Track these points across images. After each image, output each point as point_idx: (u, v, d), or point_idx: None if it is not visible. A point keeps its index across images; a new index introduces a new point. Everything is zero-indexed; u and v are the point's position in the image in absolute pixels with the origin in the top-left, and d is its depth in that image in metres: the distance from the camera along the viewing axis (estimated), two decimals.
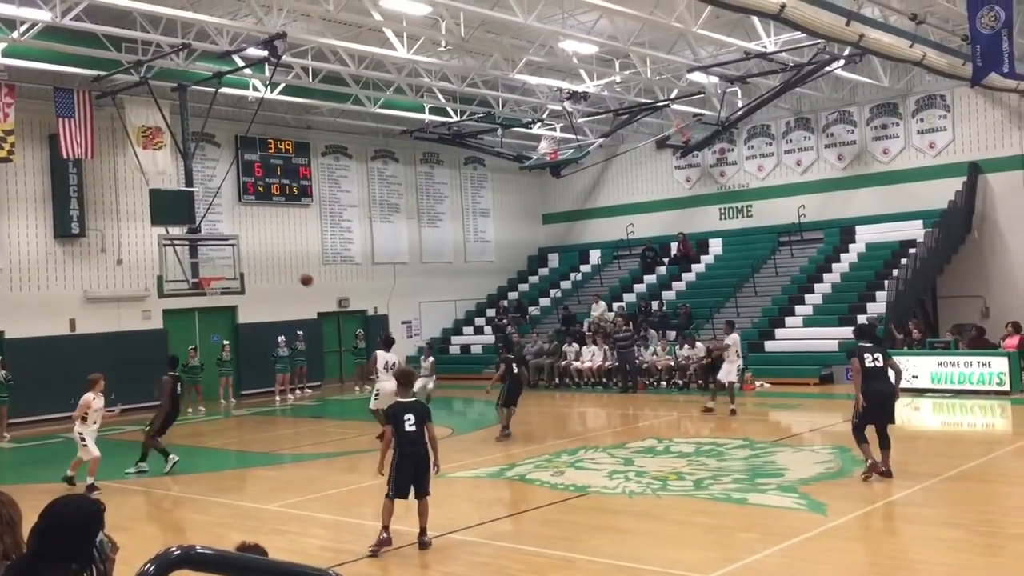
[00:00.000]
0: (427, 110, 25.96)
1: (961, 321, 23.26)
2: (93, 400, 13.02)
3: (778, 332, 23.74)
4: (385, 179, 29.45)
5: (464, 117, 26.58)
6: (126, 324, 22.79)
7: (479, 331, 29.74)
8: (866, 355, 10.91)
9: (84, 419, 12.86)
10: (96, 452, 12.73)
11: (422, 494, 8.90)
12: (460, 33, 18.30)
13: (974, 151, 24.81)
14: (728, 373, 17.37)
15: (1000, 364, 18.04)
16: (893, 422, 10.98)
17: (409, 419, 8.89)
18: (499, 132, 27.59)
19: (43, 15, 16.33)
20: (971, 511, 9.66)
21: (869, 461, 10.83)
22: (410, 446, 8.83)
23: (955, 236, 24.24)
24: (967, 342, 20.55)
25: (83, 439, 12.74)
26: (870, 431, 10.94)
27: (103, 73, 19.78)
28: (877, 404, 10.82)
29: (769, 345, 23.35)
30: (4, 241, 21.21)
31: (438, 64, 21.24)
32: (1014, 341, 18.78)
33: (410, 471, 8.81)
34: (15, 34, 17.27)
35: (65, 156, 20.78)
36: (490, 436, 15.95)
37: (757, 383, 21.29)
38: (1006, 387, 17.74)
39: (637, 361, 22.76)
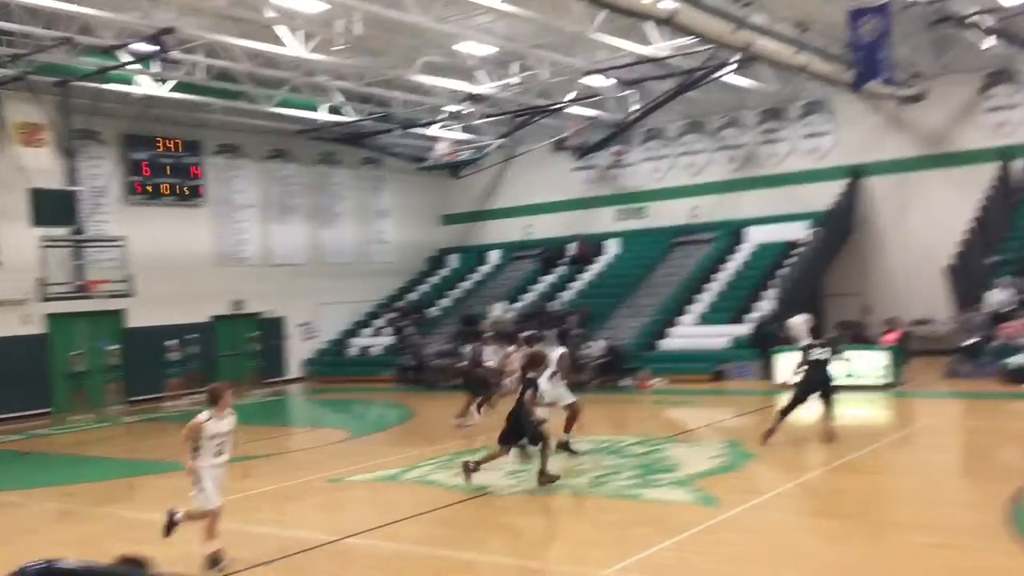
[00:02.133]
0: (324, 109, 25.60)
1: (844, 318, 24.22)
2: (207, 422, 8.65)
3: (672, 331, 24.28)
4: (281, 179, 28.91)
5: (362, 117, 26.32)
6: (5, 329, 21.73)
7: (378, 333, 29.50)
8: (814, 349, 13.12)
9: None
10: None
11: None
12: (357, 31, 18.12)
13: (856, 155, 25.87)
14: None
15: (880, 359, 18.84)
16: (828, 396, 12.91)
17: None
18: (397, 132, 27.42)
19: None
20: (854, 501, 10.07)
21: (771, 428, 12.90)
22: None
23: (838, 237, 25.24)
24: (849, 338, 21.39)
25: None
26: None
27: None
28: (810, 387, 12.96)
29: (664, 343, 23.86)
30: None
31: (335, 63, 20.97)
32: (892, 336, 19.65)
33: None
34: None
35: None
36: (388, 438, 15.84)
37: (652, 381, 21.71)
38: (887, 380, 18.55)
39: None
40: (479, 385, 16.85)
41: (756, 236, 26.90)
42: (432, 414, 19.56)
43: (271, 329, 27.81)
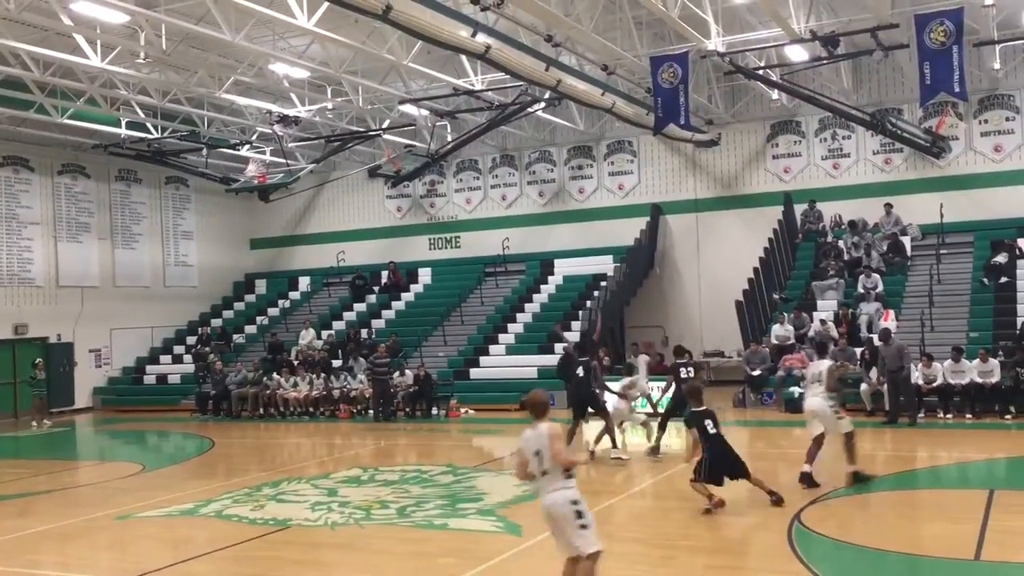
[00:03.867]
0: (124, 124, 24.31)
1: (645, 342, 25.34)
2: None
3: (483, 360, 24.55)
4: (74, 195, 27.17)
5: (166, 134, 25.20)
6: None
7: (178, 360, 28.15)
8: (680, 369, 14.75)
9: None
10: None
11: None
12: (162, 46, 17.39)
13: (656, 194, 27.25)
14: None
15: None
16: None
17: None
18: (204, 152, 26.44)
19: None
20: (647, 526, 10.49)
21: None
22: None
23: (640, 271, 26.42)
24: (649, 368, 22.35)
25: None
26: None
27: None
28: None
29: (474, 372, 24.09)
30: None
31: (137, 76, 20.00)
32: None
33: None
34: None
35: None
36: (185, 471, 15.07)
37: (462, 410, 21.84)
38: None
39: (347, 389, 22.59)
40: None
41: (564, 268, 27.72)
42: (233, 445, 18.83)
43: (58, 355, 25.95)
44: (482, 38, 15.96)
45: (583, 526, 6.52)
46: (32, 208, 25.94)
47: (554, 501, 6.49)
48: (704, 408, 10.51)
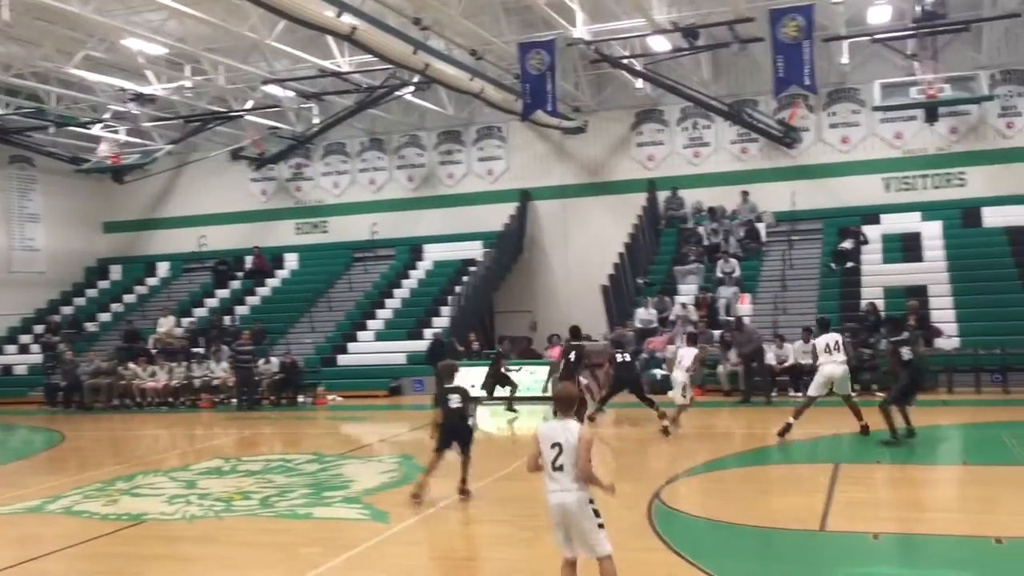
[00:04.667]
0: None
1: (514, 334, 25.58)
2: None
3: (351, 346, 24.27)
4: None
5: (9, 111, 23.70)
6: None
7: (24, 349, 26.65)
8: (616, 353, 15.76)
9: None
10: None
11: None
12: (4, 16, 16.31)
13: (525, 179, 27.47)
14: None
15: (545, 372, 20.02)
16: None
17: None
18: (52, 130, 25.02)
19: None
20: (514, 508, 10.59)
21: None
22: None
23: (509, 256, 26.62)
24: (518, 352, 22.61)
25: None
26: None
27: None
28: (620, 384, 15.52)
29: (342, 359, 23.78)
30: None
31: None
32: (556, 351, 20.99)
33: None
34: None
35: None
36: (32, 466, 14.28)
37: (329, 397, 21.53)
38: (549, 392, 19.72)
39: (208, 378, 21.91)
40: None
41: (433, 254, 27.65)
42: (86, 438, 17.99)
43: None
44: (348, 19, 15.69)
45: (600, 525, 6.35)
46: None
47: (570, 500, 6.20)
48: (455, 385, 10.52)
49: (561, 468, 6.19)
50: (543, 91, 19.13)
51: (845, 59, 23.06)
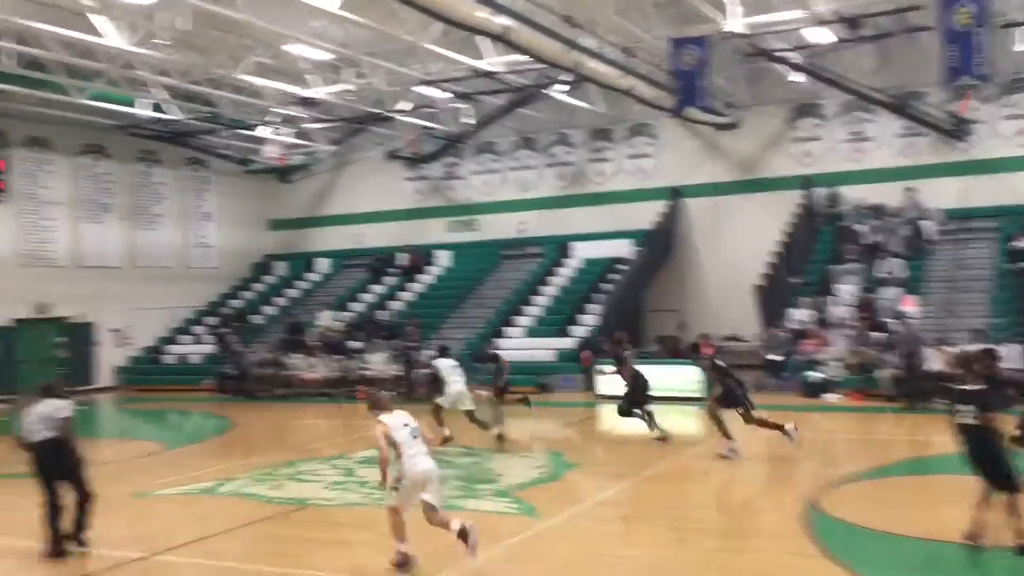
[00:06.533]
0: (145, 105, 24.40)
1: (662, 333, 25.31)
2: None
3: (500, 342, 24.57)
4: (95, 176, 27.36)
5: (186, 116, 25.29)
6: None
7: (198, 340, 28.35)
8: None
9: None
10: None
11: None
12: (182, 26, 17.41)
13: (676, 177, 27.09)
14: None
15: (695, 372, 19.73)
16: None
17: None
18: (224, 133, 26.53)
19: None
20: (662, 508, 10.51)
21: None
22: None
23: (659, 254, 26.32)
24: (667, 352, 22.36)
25: None
26: None
27: None
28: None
29: None
30: None
31: (157, 57, 20.05)
32: (707, 351, 20.62)
33: None
34: None
35: None
36: (204, 450, 15.21)
37: (480, 392, 21.85)
38: (699, 393, 19.43)
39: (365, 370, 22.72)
40: None
41: (582, 252, 27.67)
42: (252, 425, 18.98)
43: (80, 334, 26.21)
44: (500, 19, 15.90)
45: None
46: (54, 188, 26.15)
47: None
48: None
49: None
50: (695, 87, 18.84)
51: (1021, 47, 21.61)
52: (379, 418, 8.24)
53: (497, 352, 17.78)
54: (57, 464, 9.01)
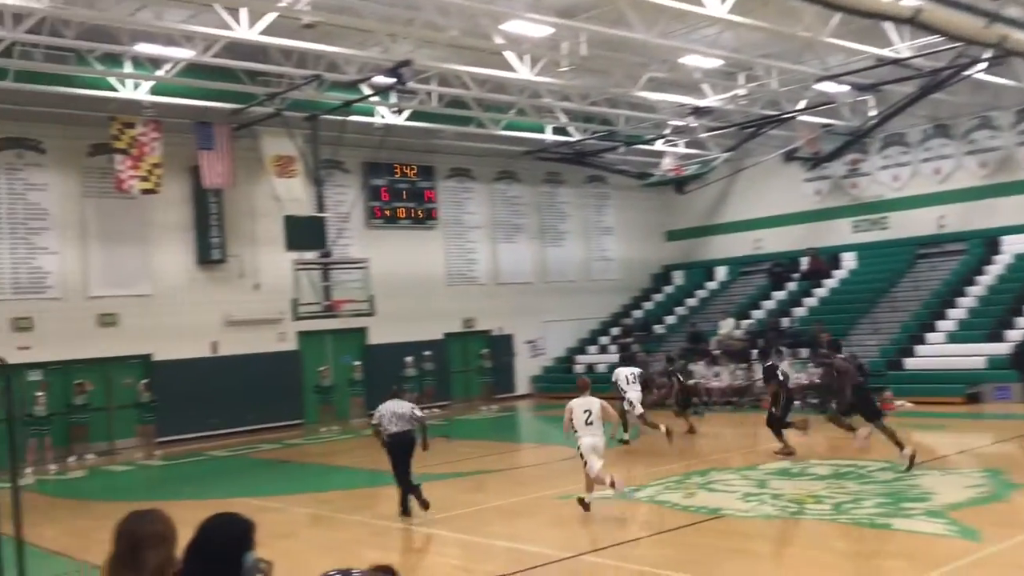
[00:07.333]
0: (549, 130, 26.07)
1: None
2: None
3: (918, 348, 22.68)
4: (508, 200, 29.72)
5: (586, 136, 26.56)
6: (263, 346, 23.63)
7: (603, 350, 29.55)
8: None
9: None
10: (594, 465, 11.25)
11: None
12: (581, 53, 18.32)
13: None
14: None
15: None
16: None
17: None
18: (621, 150, 27.46)
19: (186, 53, 17.25)
20: None
21: None
22: None
23: None
24: None
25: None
26: None
27: (240, 106, 20.67)
28: None
29: (908, 362, 22.32)
30: (152, 268, 22.38)
31: (560, 84, 21.30)
32: None
33: None
34: (161, 72, 18.33)
35: (206, 186, 21.82)
36: (617, 457, 15.69)
37: (897, 402, 20.35)
38: None
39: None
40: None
41: (1013, 246, 24.66)
42: (658, 432, 19.28)
43: (500, 346, 28.55)
44: (909, 1, 14.70)
45: None
46: (474, 214, 28.82)
47: None
48: None
49: None
50: None
51: None
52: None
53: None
54: (404, 451, 11.57)
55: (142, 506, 3.63)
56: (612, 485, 11.04)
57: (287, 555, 9.95)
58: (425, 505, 11.50)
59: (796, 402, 17.04)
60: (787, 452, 14.63)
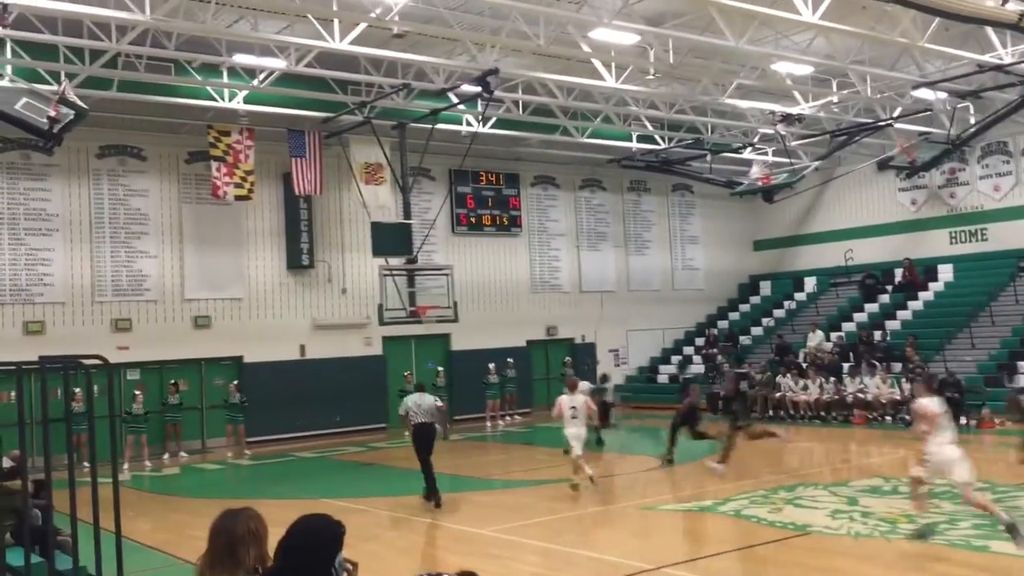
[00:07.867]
0: (634, 138, 25.92)
1: None
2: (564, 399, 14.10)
3: (1020, 365, 21.77)
4: (592, 208, 29.62)
5: (672, 144, 26.33)
6: (350, 350, 24.09)
7: (688, 360, 29.19)
8: None
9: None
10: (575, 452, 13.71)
11: None
12: (669, 60, 18.17)
13: None
14: None
15: None
16: None
17: None
18: (708, 158, 27.12)
19: (279, 63, 17.72)
20: None
21: None
22: None
23: None
24: None
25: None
26: None
27: (331, 115, 21.12)
28: None
29: (1012, 380, 21.43)
30: (244, 272, 23.02)
31: (646, 92, 21.16)
32: None
33: None
34: (255, 82, 18.85)
35: (297, 193, 22.33)
36: (702, 469, 15.48)
37: (996, 420, 19.59)
38: None
39: (861, 394, 21.60)
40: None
41: None
42: (745, 446, 18.92)
43: (583, 354, 28.44)
44: (1014, 5, 14.17)
45: None
46: (558, 221, 28.81)
47: None
48: None
49: None
50: None
51: None
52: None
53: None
54: (426, 441, 13.13)
55: (234, 504, 3.72)
56: (592, 480, 13.40)
57: (371, 556, 10.09)
58: (438, 503, 12.77)
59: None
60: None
